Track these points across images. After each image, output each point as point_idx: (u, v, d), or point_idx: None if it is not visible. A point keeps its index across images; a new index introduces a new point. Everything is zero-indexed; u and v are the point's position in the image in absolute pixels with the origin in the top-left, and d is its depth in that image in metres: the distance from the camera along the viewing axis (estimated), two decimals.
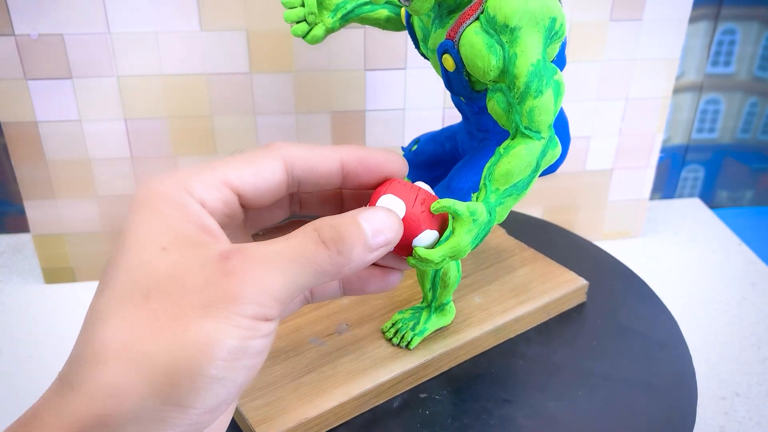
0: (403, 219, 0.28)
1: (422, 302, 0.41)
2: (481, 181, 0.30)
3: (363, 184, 0.28)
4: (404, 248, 0.28)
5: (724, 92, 0.71)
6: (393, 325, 0.40)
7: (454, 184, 0.36)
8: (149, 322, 0.22)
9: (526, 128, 0.30)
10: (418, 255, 0.27)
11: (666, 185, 0.77)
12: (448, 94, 0.36)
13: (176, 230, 0.24)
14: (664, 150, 0.74)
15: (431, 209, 0.28)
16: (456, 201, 0.28)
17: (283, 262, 0.24)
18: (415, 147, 0.43)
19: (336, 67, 0.58)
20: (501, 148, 0.30)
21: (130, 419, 0.22)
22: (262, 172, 0.26)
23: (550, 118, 0.30)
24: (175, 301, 0.23)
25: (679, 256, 0.68)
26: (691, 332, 0.55)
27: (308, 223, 0.25)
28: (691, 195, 0.78)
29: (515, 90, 0.29)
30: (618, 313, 0.45)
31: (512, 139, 0.30)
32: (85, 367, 0.22)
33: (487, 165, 0.30)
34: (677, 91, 0.70)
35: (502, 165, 0.30)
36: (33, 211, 0.60)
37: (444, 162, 0.41)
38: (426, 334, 0.40)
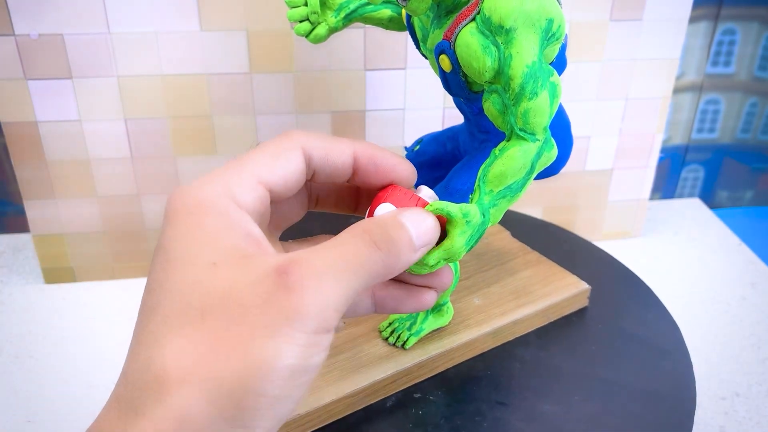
0: None
1: None
2: (476, 183, 0.30)
3: (370, 183, 0.29)
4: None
5: (724, 92, 0.71)
6: (390, 324, 0.40)
7: (453, 185, 0.36)
8: (210, 343, 0.22)
9: (520, 130, 0.30)
10: (421, 262, 0.27)
11: (666, 185, 0.77)
12: (448, 94, 0.36)
13: (223, 243, 0.23)
14: (664, 150, 0.74)
15: (427, 207, 0.28)
16: (449, 203, 0.28)
17: (340, 271, 0.23)
18: (418, 147, 0.43)
19: (336, 67, 0.58)
20: (496, 150, 0.30)
21: None
22: (289, 165, 0.26)
23: (546, 120, 0.30)
24: (234, 320, 0.22)
25: (679, 256, 0.68)
26: (691, 332, 0.55)
27: (354, 226, 0.25)
28: (691, 195, 0.78)
29: (510, 91, 0.29)
30: (620, 318, 0.45)
31: (507, 140, 0.30)
32: (149, 392, 0.22)
33: (482, 166, 0.30)
34: (677, 91, 0.70)
35: (496, 166, 0.30)
36: (33, 211, 0.60)
37: (446, 162, 0.41)
38: (422, 334, 0.40)
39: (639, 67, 0.61)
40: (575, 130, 0.63)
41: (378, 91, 0.60)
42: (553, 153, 0.31)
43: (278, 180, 0.26)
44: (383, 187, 0.29)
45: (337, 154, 0.27)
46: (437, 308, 0.40)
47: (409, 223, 0.26)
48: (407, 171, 0.29)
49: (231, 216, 0.24)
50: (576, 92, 0.61)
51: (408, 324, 0.40)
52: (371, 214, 0.29)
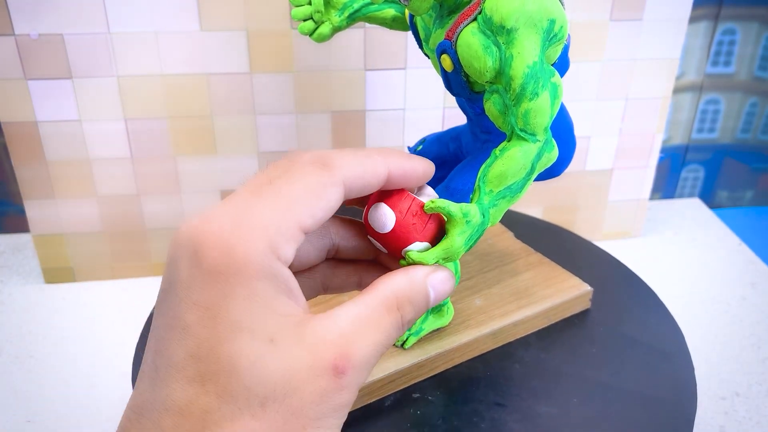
0: (393, 229, 0.28)
1: None
2: (476, 183, 0.30)
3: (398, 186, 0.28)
4: (396, 253, 0.28)
5: (724, 92, 0.71)
6: None
7: (454, 185, 0.36)
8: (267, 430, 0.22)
9: (521, 130, 0.30)
10: (411, 259, 0.27)
11: (666, 185, 0.77)
12: (449, 94, 0.36)
13: (278, 311, 0.22)
14: (664, 150, 0.74)
15: (424, 209, 0.28)
16: (449, 202, 0.28)
17: (371, 363, 0.24)
18: (421, 147, 0.43)
19: (336, 67, 0.58)
20: (497, 150, 0.30)
21: None
22: (329, 204, 0.24)
23: (546, 121, 0.30)
24: (293, 413, 0.22)
25: (679, 256, 0.68)
26: (691, 332, 0.55)
27: (386, 292, 0.25)
28: (691, 195, 0.78)
29: (511, 92, 0.29)
30: (622, 321, 0.45)
31: (508, 141, 0.30)
32: None
33: (483, 166, 0.30)
34: (677, 91, 0.70)
35: (496, 167, 0.30)
36: (33, 211, 0.60)
37: (448, 163, 0.41)
38: (422, 334, 0.40)
39: (639, 67, 0.61)
40: (575, 130, 0.63)
41: (378, 91, 0.60)
42: (554, 154, 0.31)
43: (316, 223, 0.24)
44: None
45: (373, 179, 0.26)
46: (438, 308, 0.40)
47: (432, 291, 0.26)
48: (429, 170, 0.28)
49: (278, 278, 0.23)
50: (576, 92, 0.61)
51: None
52: (366, 214, 0.29)
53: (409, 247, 0.28)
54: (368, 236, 0.29)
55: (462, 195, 0.36)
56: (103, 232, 0.62)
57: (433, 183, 0.42)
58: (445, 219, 0.28)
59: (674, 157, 0.75)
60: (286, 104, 0.59)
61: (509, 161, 0.30)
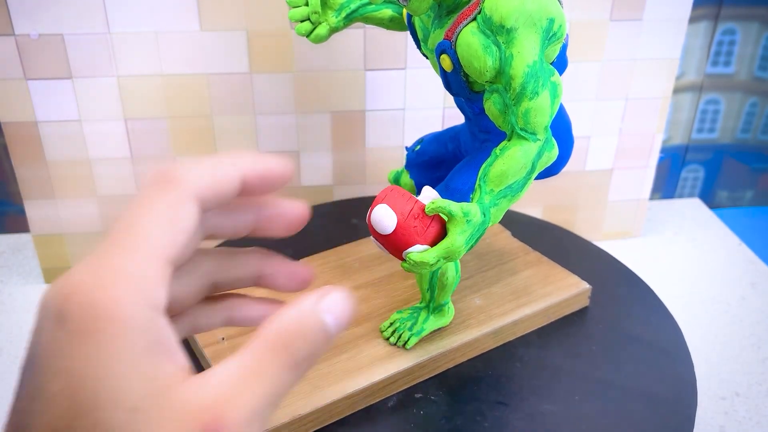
0: (394, 231, 0.28)
1: (421, 302, 0.41)
2: (476, 182, 0.30)
3: (257, 194, 0.26)
4: (397, 255, 0.28)
5: (724, 92, 0.71)
6: (391, 324, 0.41)
7: (453, 185, 0.36)
8: None
9: (521, 129, 0.30)
10: (412, 260, 0.27)
11: (666, 185, 0.77)
12: (449, 94, 0.36)
13: (145, 374, 0.20)
14: (664, 150, 0.74)
15: (426, 210, 0.28)
16: (450, 202, 0.28)
17: (267, 405, 0.21)
18: (419, 147, 0.43)
19: (336, 67, 0.58)
20: (497, 149, 0.31)
21: None
22: (186, 224, 0.22)
23: (547, 120, 0.30)
24: None
25: (679, 255, 0.68)
26: (691, 332, 0.55)
27: (273, 335, 0.22)
28: (691, 195, 0.78)
29: (511, 91, 0.29)
30: (621, 318, 0.45)
31: (508, 140, 0.31)
32: None
33: (483, 166, 0.31)
34: (677, 91, 0.70)
35: (497, 166, 0.30)
36: (33, 211, 0.60)
37: (446, 162, 0.42)
38: (423, 334, 0.40)
39: (639, 67, 0.61)
40: (575, 130, 0.63)
41: (378, 91, 0.60)
42: (554, 153, 0.31)
43: (181, 251, 0.22)
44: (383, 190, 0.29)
45: (226, 185, 0.24)
46: (438, 308, 0.40)
47: (329, 317, 0.23)
48: (287, 170, 0.26)
49: (150, 331, 0.20)
50: (576, 92, 0.61)
51: (409, 324, 0.40)
52: (369, 216, 0.29)
53: (410, 249, 0.28)
54: (371, 238, 0.29)
55: (462, 195, 0.36)
56: (104, 232, 0.62)
57: (433, 183, 0.42)
58: (446, 219, 0.28)
59: (674, 157, 0.75)
60: (286, 104, 0.59)
61: (510, 160, 0.30)
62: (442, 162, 0.42)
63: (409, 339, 0.40)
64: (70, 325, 0.20)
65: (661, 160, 0.74)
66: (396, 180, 0.45)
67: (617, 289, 0.48)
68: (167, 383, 0.20)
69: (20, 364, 0.22)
